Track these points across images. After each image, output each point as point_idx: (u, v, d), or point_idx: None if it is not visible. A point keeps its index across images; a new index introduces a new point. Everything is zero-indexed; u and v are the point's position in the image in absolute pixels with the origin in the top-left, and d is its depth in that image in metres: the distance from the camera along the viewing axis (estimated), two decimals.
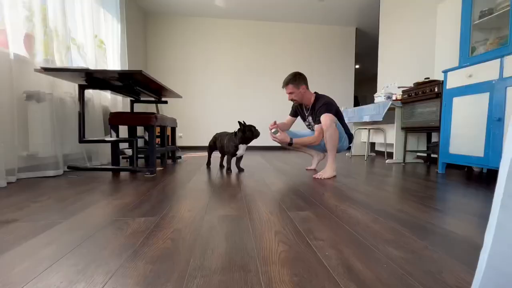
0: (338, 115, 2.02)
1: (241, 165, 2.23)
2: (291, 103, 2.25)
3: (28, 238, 0.79)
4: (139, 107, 4.19)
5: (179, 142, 4.83)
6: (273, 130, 1.95)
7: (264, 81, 5.02)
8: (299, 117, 2.29)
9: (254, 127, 2.04)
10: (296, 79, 1.99)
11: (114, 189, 1.49)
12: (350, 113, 3.83)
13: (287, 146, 1.98)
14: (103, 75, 1.77)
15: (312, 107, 2.05)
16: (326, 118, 1.86)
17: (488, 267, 0.37)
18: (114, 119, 2.02)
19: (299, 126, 2.35)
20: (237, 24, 4.92)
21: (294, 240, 0.79)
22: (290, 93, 2.02)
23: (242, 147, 2.06)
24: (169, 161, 2.83)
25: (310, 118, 2.12)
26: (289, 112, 2.31)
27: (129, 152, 2.06)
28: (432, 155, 2.93)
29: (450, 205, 1.21)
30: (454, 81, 2.10)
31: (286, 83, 2.01)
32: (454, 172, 2.29)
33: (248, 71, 4.99)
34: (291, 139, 1.93)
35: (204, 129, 4.89)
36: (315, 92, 2.09)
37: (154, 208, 1.12)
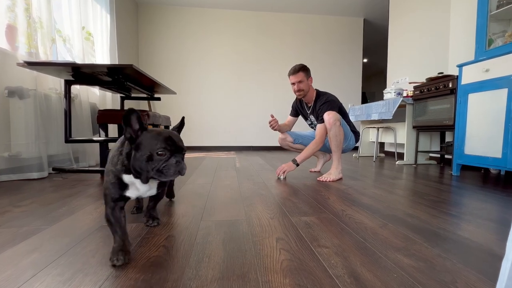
0: (342, 112, 2.03)
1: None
2: (293, 99, 2.25)
3: (10, 245, 0.79)
4: (130, 104, 4.20)
5: None
6: (281, 177, 1.94)
7: (264, 75, 5.02)
8: (300, 117, 2.30)
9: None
10: (306, 69, 2.01)
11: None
12: (357, 110, 3.83)
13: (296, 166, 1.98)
14: (91, 69, 1.77)
15: (314, 105, 2.06)
16: (330, 116, 1.86)
17: (510, 278, 0.36)
18: (103, 117, 2.02)
19: (301, 126, 2.36)
20: (236, 15, 4.92)
21: (297, 248, 0.79)
22: (299, 81, 1.99)
23: (140, 185, 0.84)
24: None
25: (312, 117, 2.13)
26: (290, 111, 2.32)
27: None
28: (446, 156, 2.93)
29: (465, 209, 1.21)
30: (469, 76, 2.10)
31: (297, 70, 1.98)
32: (469, 174, 2.29)
33: (247, 65, 4.99)
34: (296, 162, 1.94)
35: (199, 128, 4.90)
36: (316, 89, 2.10)
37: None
